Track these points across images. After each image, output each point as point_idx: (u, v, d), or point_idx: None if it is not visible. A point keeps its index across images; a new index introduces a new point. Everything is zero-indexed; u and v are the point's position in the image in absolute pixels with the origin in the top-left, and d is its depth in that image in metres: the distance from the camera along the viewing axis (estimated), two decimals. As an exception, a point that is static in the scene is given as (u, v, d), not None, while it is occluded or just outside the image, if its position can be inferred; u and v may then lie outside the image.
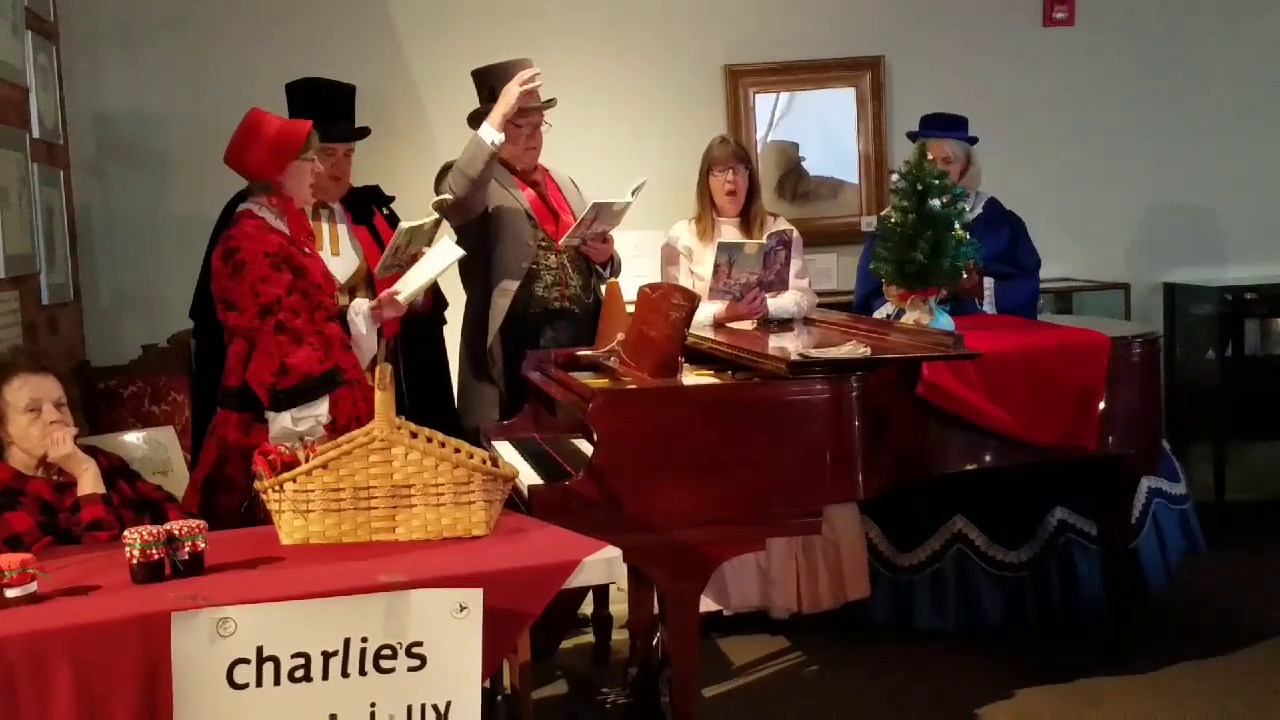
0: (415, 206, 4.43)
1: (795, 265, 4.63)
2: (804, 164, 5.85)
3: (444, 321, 4.64)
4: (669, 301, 3.65)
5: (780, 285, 4.51)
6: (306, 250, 3.68)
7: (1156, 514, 4.64)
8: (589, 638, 4.54)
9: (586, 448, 3.56)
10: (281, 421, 3.45)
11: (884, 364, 3.55)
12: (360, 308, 3.78)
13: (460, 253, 4.00)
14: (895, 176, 4.26)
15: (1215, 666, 4.19)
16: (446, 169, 4.45)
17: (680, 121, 5.59)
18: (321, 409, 3.49)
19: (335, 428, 3.48)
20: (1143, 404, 4.11)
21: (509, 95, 4.28)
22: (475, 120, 4.47)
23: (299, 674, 2.41)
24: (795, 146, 5.84)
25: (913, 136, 4.82)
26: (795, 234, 4.69)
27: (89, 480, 3.12)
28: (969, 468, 3.86)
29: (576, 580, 2.74)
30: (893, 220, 4.17)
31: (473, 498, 2.90)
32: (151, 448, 4.01)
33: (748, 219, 4.72)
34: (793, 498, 3.38)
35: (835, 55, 5.78)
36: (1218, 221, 6.06)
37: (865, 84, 5.80)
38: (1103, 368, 3.97)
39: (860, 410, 3.45)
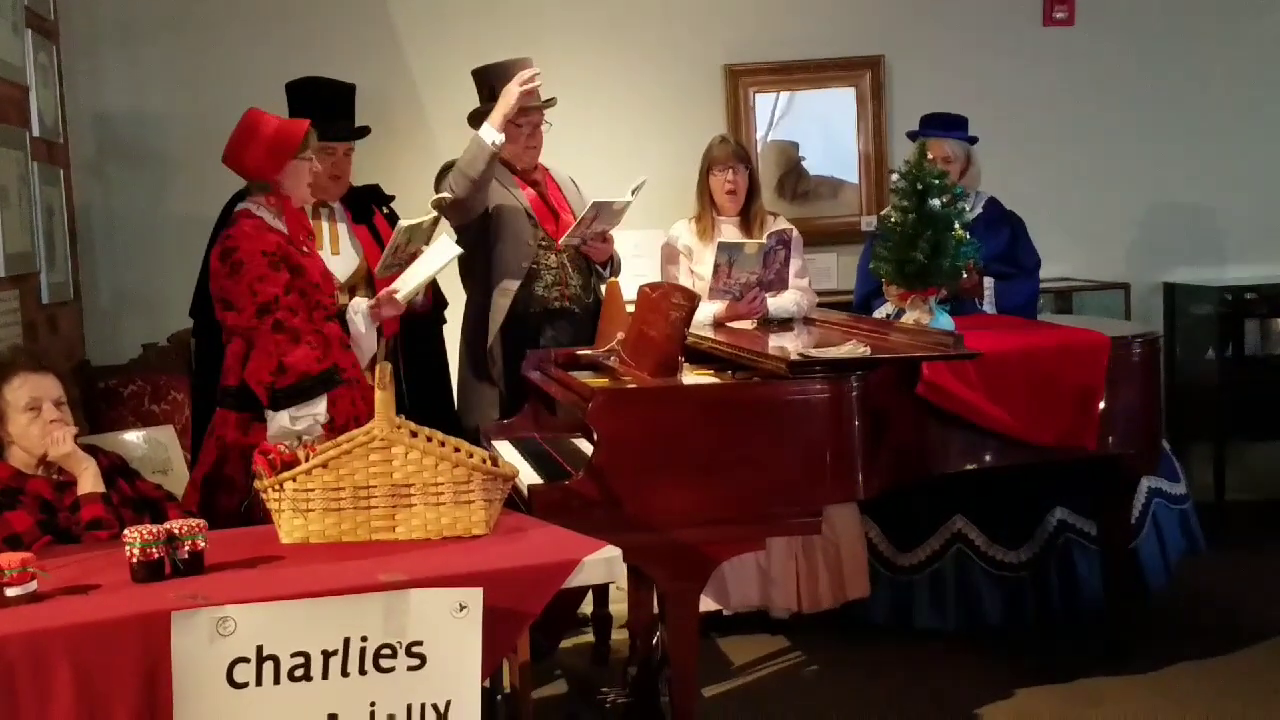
0: (415, 206, 4.43)
1: (795, 265, 4.62)
2: (804, 163, 5.86)
3: (444, 321, 4.64)
4: (669, 301, 3.65)
5: (780, 285, 4.51)
6: (305, 249, 3.68)
7: (1156, 514, 4.64)
8: (589, 637, 4.54)
9: (586, 447, 3.56)
10: (279, 420, 3.45)
11: (884, 364, 3.55)
12: (359, 307, 3.78)
13: (458, 250, 4.00)
14: (895, 176, 4.26)
15: (1215, 666, 4.19)
16: (447, 168, 4.45)
17: (680, 121, 5.60)
18: (319, 408, 3.49)
19: (334, 427, 3.47)
20: (1143, 404, 4.11)
21: (509, 96, 4.28)
22: (475, 120, 4.47)
23: (299, 673, 2.41)
24: (795, 146, 5.84)
25: (913, 136, 4.82)
26: (795, 233, 4.69)
27: (89, 479, 3.12)
28: (969, 468, 3.86)
29: (576, 580, 2.73)
30: (893, 220, 4.17)
31: (472, 497, 2.90)
32: (151, 447, 4.00)
33: (748, 218, 4.72)
34: (793, 497, 3.38)
35: (835, 55, 5.78)
36: (1218, 221, 6.06)
37: (865, 84, 5.80)
38: (1103, 368, 3.97)
39: (860, 410, 3.45)
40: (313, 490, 2.88)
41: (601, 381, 3.72)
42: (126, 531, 2.67)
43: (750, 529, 3.39)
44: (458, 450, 2.99)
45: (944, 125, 4.83)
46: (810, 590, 4.56)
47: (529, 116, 4.43)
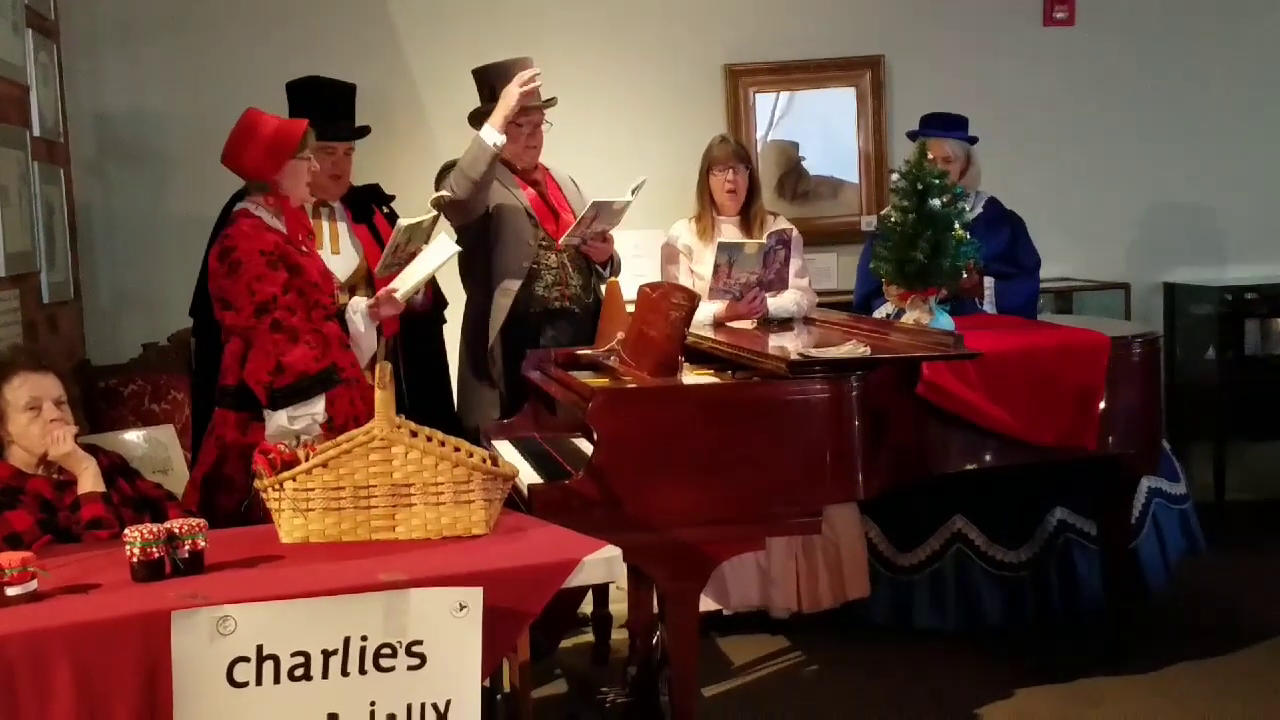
0: (415, 205, 4.42)
1: (795, 264, 4.63)
2: (804, 163, 5.86)
3: (444, 321, 4.63)
4: (669, 301, 3.65)
5: (780, 285, 4.51)
6: (304, 249, 3.69)
7: (1156, 514, 4.64)
8: (589, 637, 4.54)
9: (586, 447, 3.56)
10: (277, 420, 3.45)
11: (884, 364, 3.55)
12: (358, 306, 3.78)
13: (456, 249, 4.00)
14: (895, 176, 4.26)
15: (1215, 666, 4.19)
16: (447, 168, 4.45)
17: (680, 121, 5.60)
18: (318, 407, 3.49)
19: (333, 426, 3.47)
20: (1143, 404, 4.11)
21: (509, 97, 4.28)
22: (476, 119, 4.47)
23: (299, 673, 2.41)
24: (795, 146, 5.84)
25: (913, 136, 4.82)
26: (795, 233, 4.69)
27: (89, 478, 3.12)
28: (969, 467, 3.86)
29: (576, 579, 2.74)
30: (893, 220, 4.17)
31: (472, 497, 2.90)
32: (151, 446, 4.00)
33: (748, 218, 4.72)
34: (793, 497, 3.38)
35: (835, 55, 5.78)
36: (1218, 221, 6.06)
37: (865, 83, 5.80)
38: (1103, 368, 3.97)
39: (860, 410, 3.45)
40: (313, 490, 2.88)
41: (601, 381, 3.72)
42: (127, 531, 2.67)
43: (750, 529, 3.39)
44: (458, 450, 2.99)
45: (944, 125, 4.83)
46: (810, 590, 4.56)
47: (529, 116, 4.43)
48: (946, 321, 4.09)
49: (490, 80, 4.46)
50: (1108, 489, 4.28)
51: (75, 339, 5.17)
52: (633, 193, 4.34)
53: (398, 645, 2.45)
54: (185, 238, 4.79)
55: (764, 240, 4.39)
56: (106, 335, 5.34)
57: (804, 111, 5.81)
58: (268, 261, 3.51)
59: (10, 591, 2.48)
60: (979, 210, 4.74)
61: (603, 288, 4.56)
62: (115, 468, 3.26)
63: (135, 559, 2.63)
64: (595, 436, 3.32)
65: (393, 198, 4.60)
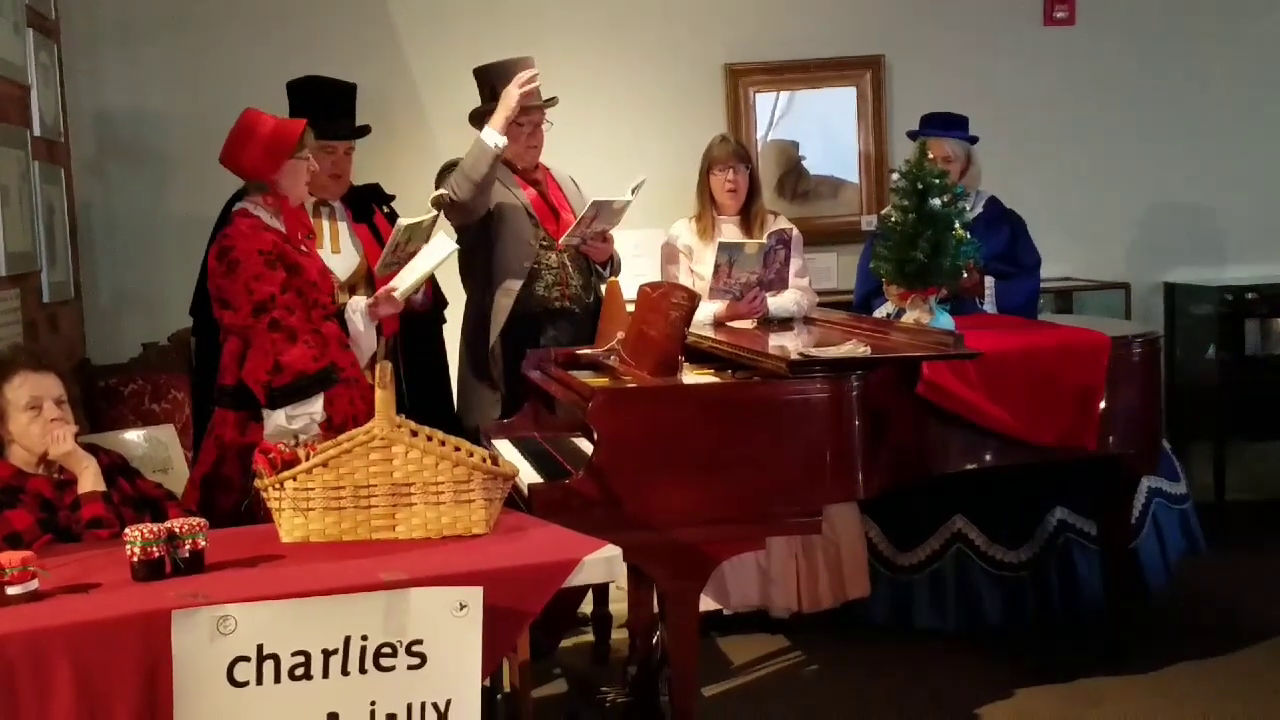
0: (415, 205, 4.43)
1: (795, 264, 4.63)
2: (804, 163, 5.86)
3: (444, 320, 4.64)
4: (669, 300, 3.65)
5: (780, 284, 4.51)
6: (303, 248, 3.69)
7: (1156, 514, 4.64)
8: (589, 636, 4.54)
9: (586, 446, 3.56)
10: (276, 419, 3.46)
11: (884, 363, 3.55)
12: (357, 305, 3.79)
13: (454, 247, 4.00)
14: (895, 176, 4.26)
15: (1215, 666, 4.19)
16: (447, 168, 4.46)
17: (680, 121, 5.60)
18: (316, 407, 3.49)
19: (332, 425, 3.48)
20: (1143, 404, 4.11)
21: (509, 98, 4.29)
22: (476, 119, 4.48)
23: (299, 672, 2.41)
24: (795, 146, 5.84)
25: (913, 135, 4.82)
26: (795, 233, 4.69)
27: (89, 478, 3.12)
28: (969, 467, 3.86)
29: (576, 579, 2.73)
30: (893, 219, 4.16)
31: (473, 496, 2.90)
32: (152, 446, 4.00)
33: (748, 218, 4.72)
34: (793, 497, 3.39)
35: (835, 54, 5.78)
36: (1218, 221, 6.06)
37: (865, 83, 5.80)
38: (1103, 367, 3.97)
39: (860, 410, 3.45)
40: (313, 489, 2.88)
41: (601, 381, 3.72)
42: (127, 530, 2.67)
43: (750, 528, 3.39)
44: (458, 449, 2.99)
45: (944, 125, 4.83)
46: (810, 590, 4.56)
47: (530, 116, 4.43)
48: (947, 321, 4.09)
49: (491, 80, 4.46)
50: (1108, 489, 4.28)
51: (75, 338, 5.17)
52: (632, 192, 4.34)
53: (398, 645, 2.45)
54: (185, 237, 4.79)
55: (764, 240, 4.39)
56: (107, 335, 5.34)
57: (804, 111, 5.81)
58: (266, 261, 3.51)
59: (10, 591, 2.48)
60: (979, 210, 4.73)
61: (603, 287, 4.56)
62: (115, 467, 3.26)
63: (135, 558, 2.63)
64: (595, 436, 3.32)
65: (393, 197, 4.61)
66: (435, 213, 4.24)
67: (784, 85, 5.78)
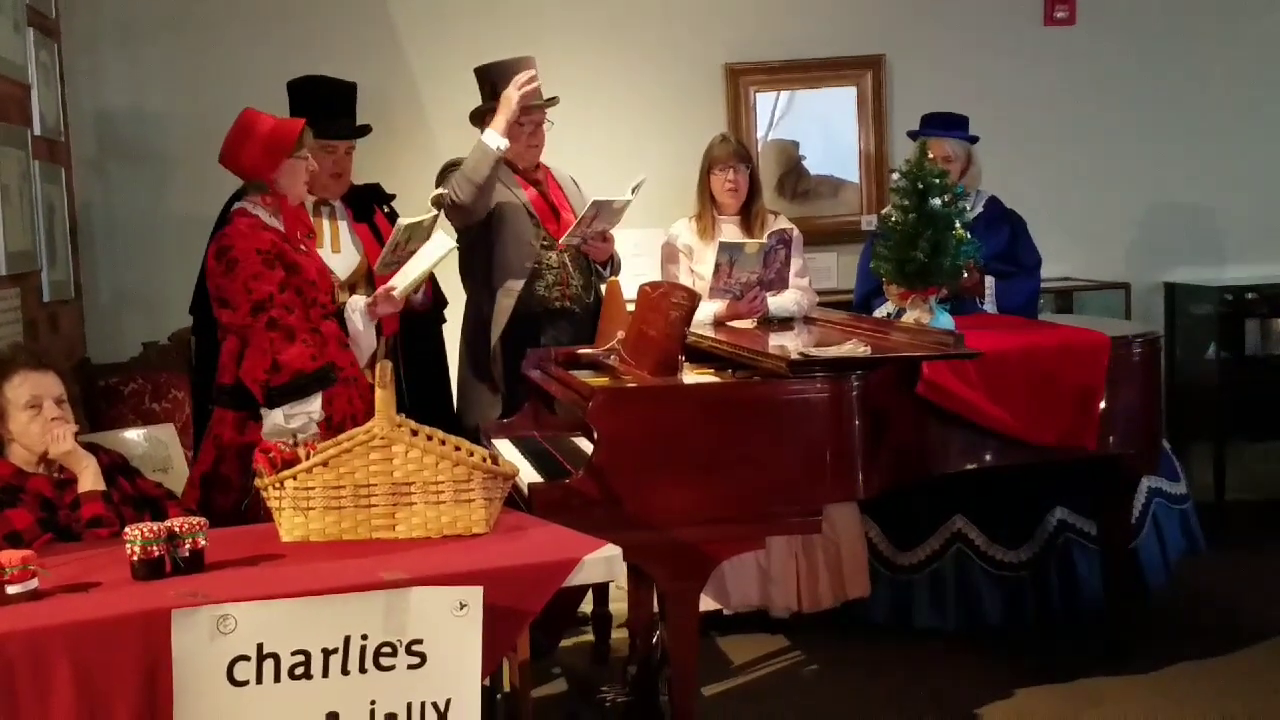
0: (415, 204, 4.43)
1: (796, 264, 4.63)
2: (804, 163, 5.86)
3: (443, 320, 4.64)
4: (669, 300, 3.65)
5: (780, 284, 4.51)
6: (302, 247, 3.69)
7: (1156, 514, 4.64)
8: (589, 636, 4.54)
9: (586, 446, 3.56)
10: (273, 418, 3.46)
11: (884, 363, 3.55)
12: (356, 304, 3.79)
13: (452, 244, 4.00)
14: (896, 175, 4.26)
15: (1215, 666, 4.19)
16: (447, 168, 4.46)
17: (680, 121, 5.60)
18: (314, 406, 3.50)
19: (331, 425, 3.48)
20: (1143, 404, 4.11)
21: (508, 102, 4.29)
22: (477, 118, 4.48)
23: (299, 671, 2.41)
24: (795, 145, 5.84)
25: (913, 135, 4.82)
26: (796, 233, 4.69)
27: (89, 477, 3.12)
28: (969, 467, 3.86)
29: (576, 578, 2.73)
30: (893, 219, 4.16)
31: (473, 495, 2.90)
32: (152, 445, 4.01)
33: (748, 218, 4.72)
34: (793, 496, 3.38)
35: (836, 54, 5.78)
36: (1218, 221, 6.06)
37: (866, 83, 5.80)
38: (1103, 367, 3.97)
39: (860, 409, 3.45)
40: (313, 488, 2.88)
41: (602, 380, 3.72)
42: (127, 529, 2.67)
43: (750, 528, 3.39)
44: (458, 449, 2.99)
45: (944, 125, 4.83)
46: (810, 589, 4.56)
47: (531, 116, 4.43)
48: (947, 321, 4.09)
49: (492, 79, 4.46)
50: (1108, 489, 4.27)
51: (76, 337, 5.17)
52: (633, 191, 4.34)
53: (398, 644, 2.45)
54: (185, 237, 4.79)
55: (765, 240, 4.39)
56: (107, 334, 5.35)
57: (804, 111, 5.81)
58: (264, 260, 3.51)
59: (11, 590, 2.48)
60: (979, 209, 4.73)
61: (603, 287, 4.56)
62: (115, 466, 3.26)
63: (135, 557, 2.63)
64: (595, 435, 3.32)
65: (393, 197, 4.61)
66: (435, 212, 4.24)
67: (784, 85, 5.78)
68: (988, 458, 3.85)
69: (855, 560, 4.54)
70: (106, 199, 5.45)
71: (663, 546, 3.28)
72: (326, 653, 2.42)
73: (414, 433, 2.94)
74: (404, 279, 3.85)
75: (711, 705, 3.98)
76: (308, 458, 2.91)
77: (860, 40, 5.79)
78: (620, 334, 3.91)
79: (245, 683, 2.38)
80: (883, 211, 4.69)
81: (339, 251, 4.25)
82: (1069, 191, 5.91)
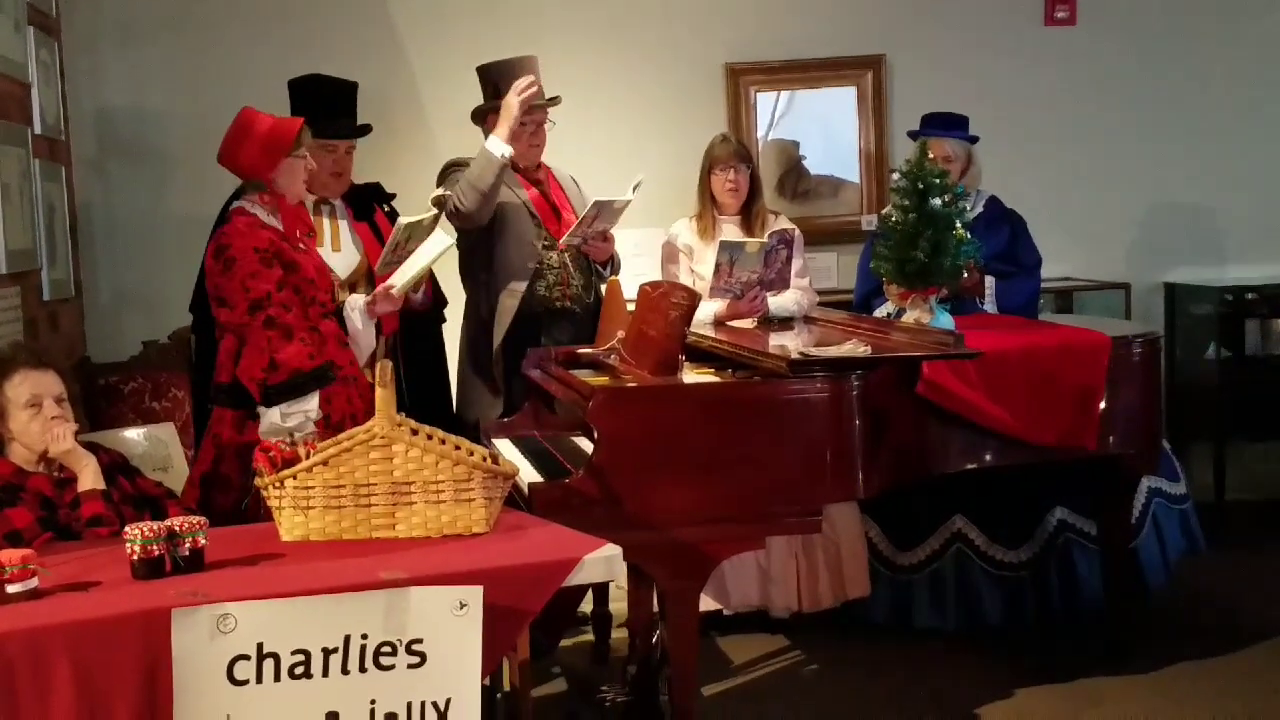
0: (415, 204, 4.43)
1: (796, 264, 4.63)
2: (804, 163, 5.86)
3: (443, 319, 4.64)
4: (669, 300, 3.65)
5: (781, 284, 4.51)
6: (300, 246, 3.69)
7: (1156, 514, 4.64)
8: (588, 636, 4.54)
9: (587, 445, 3.56)
10: (270, 417, 3.46)
11: (884, 363, 3.55)
12: (355, 303, 3.79)
13: (450, 241, 4.00)
14: (896, 175, 4.26)
15: (1215, 666, 4.19)
16: (448, 167, 4.46)
17: (680, 121, 5.60)
18: (311, 405, 3.50)
19: (330, 424, 3.48)
20: (1143, 404, 4.11)
21: (509, 108, 4.29)
22: (478, 116, 4.47)
23: (299, 670, 2.41)
24: (796, 145, 5.84)
25: (913, 135, 4.82)
26: (796, 232, 4.69)
27: (89, 476, 3.12)
28: (969, 467, 3.86)
29: (576, 578, 2.73)
30: (893, 219, 4.16)
31: (473, 495, 2.90)
32: (152, 444, 4.01)
33: (749, 218, 4.72)
34: (793, 496, 3.38)
35: (836, 54, 5.78)
36: (1218, 221, 6.06)
37: (866, 83, 5.80)
38: (1103, 367, 3.97)
39: (860, 409, 3.45)
40: (313, 488, 2.88)
41: (602, 380, 3.72)
42: (127, 528, 2.67)
43: (750, 528, 3.39)
44: (458, 448, 2.99)
45: (945, 124, 4.83)
46: (810, 589, 4.56)
47: (533, 115, 4.43)
48: (947, 321, 4.09)
49: (494, 78, 4.46)
50: (1108, 489, 4.28)
51: (76, 336, 5.17)
52: (633, 191, 4.34)
53: (398, 644, 2.45)
54: (185, 236, 4.80)
55: (765, 240, 4.39)
56: (107, 333, 5.34)
57: (804, 111, 5.81)
58: (262, 259, 3.51)
59: (10, 589, 2.48)
60: (979, 209, 4.74)
61: (603, 287, 4.56)
62: (115, 465, 3.26)
63: (135, 556, 2.63)
64: (595, 435, 3.32)
65: (393, 196, 4.61)
66: (435, 211, 4.24)
67: (784, 85, 5.78)
68: (988, 458, 3.85)
69: (855, 560, 4.54)
70: (106, 198, 5.45)
71: (663, 546, 3.28)
72: (326, 652, 2.42)
73: (414, 432, 2.94)
74: (402, 276, 3.85)
75: (711, 705, 3.98)
76: (307, 457, 2.91)
77: (860, 40, 5.79)
78: (620, 334, 3.91)
79: (245, 682, 2.38)
80: (883, 211, 4.69)
81: (339, 250, 4.25)
82: (1069, 191, 5.91)
